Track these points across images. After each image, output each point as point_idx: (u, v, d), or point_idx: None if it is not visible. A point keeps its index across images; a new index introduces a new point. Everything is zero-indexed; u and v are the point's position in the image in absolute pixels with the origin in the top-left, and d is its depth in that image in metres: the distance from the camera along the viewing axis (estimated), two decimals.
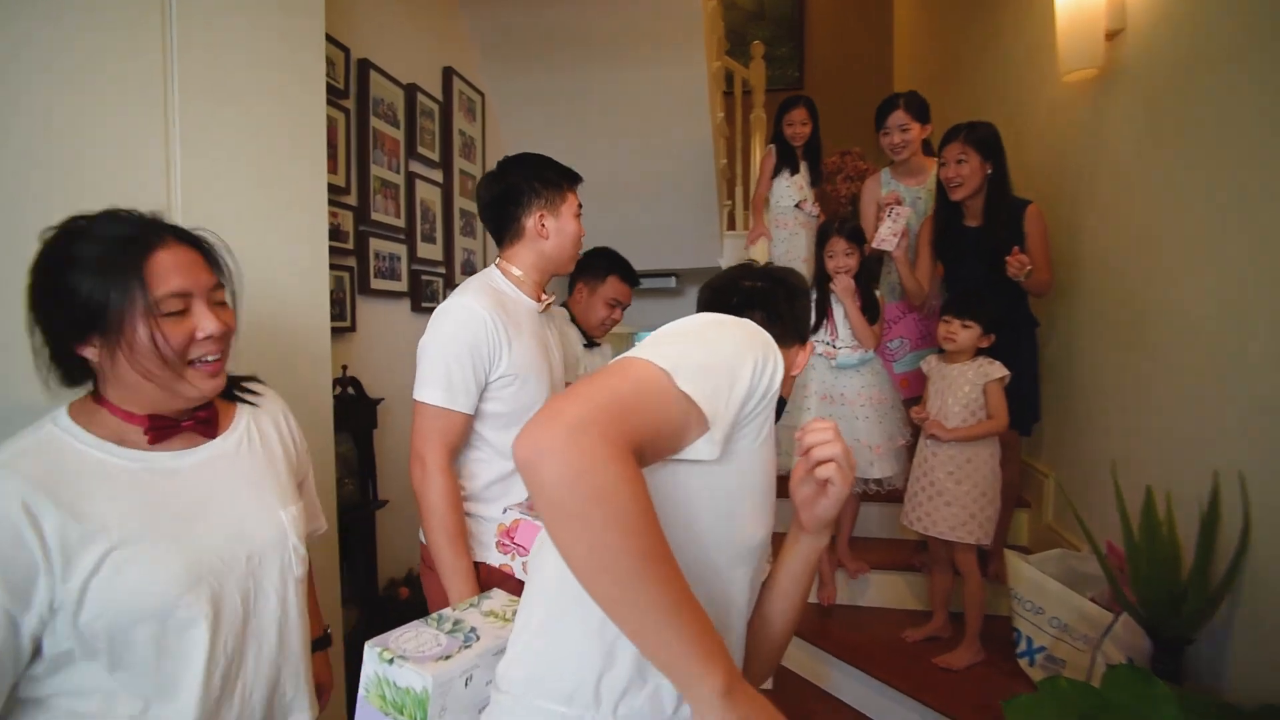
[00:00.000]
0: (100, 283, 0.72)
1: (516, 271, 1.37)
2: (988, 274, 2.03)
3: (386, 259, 2.19)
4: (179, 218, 1.15)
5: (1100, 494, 1.90)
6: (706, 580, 0.67)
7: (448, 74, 2.60)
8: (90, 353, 0.75)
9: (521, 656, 0.72)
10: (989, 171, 2.05)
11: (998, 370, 1.90)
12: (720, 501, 0.68)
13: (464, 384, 1.23)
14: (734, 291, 0.89)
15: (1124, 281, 1.87)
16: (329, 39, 1.89)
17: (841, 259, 2.13)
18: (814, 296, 2.24)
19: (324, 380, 1.53)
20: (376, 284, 2.12)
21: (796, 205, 2.89)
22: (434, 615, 0.91)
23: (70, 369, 0.77)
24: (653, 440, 0.57)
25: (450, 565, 1.22)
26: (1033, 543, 2.39)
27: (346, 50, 1.98)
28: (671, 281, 4.16)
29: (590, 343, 2.14)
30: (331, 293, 1.92)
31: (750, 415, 0.65)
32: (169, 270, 0.76)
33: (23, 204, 0.94)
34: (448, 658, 0.80)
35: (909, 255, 2.32)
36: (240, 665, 0.81)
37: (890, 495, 2.25)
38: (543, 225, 1.35)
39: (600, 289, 2.06)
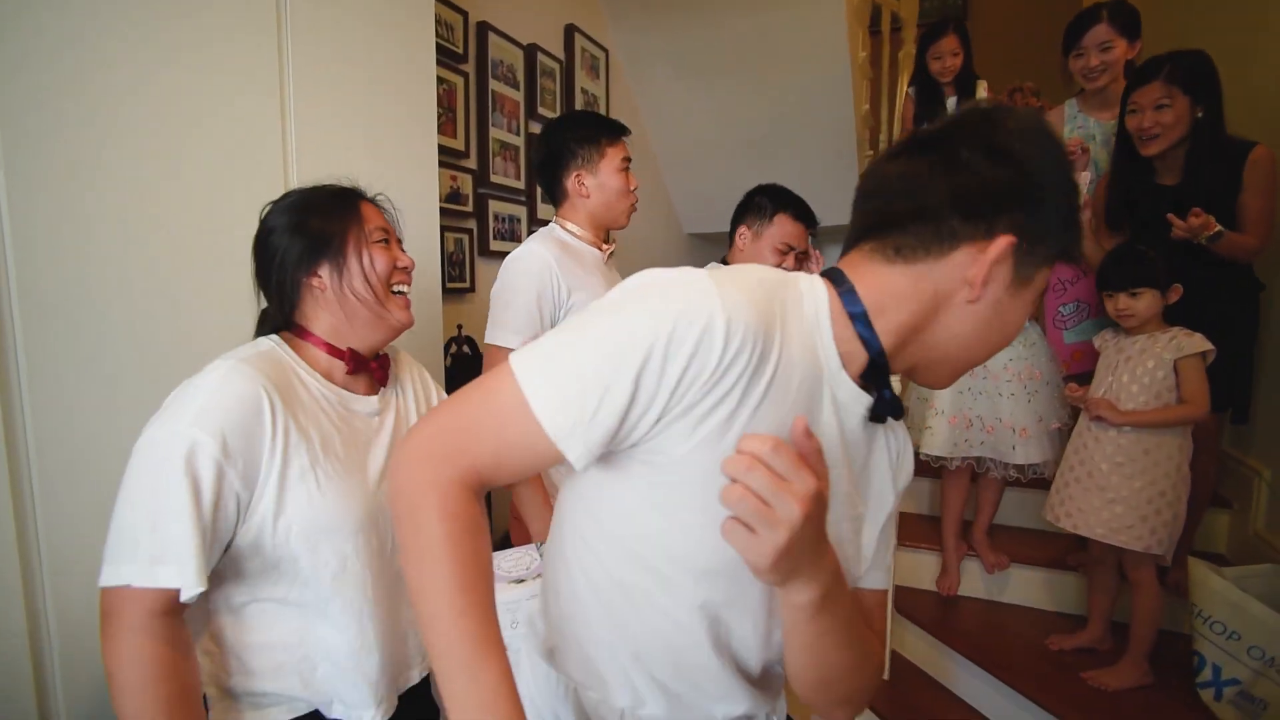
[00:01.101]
0: (329, 219, 0.87)
1: (572, 227, 1.42)
2: (1184, 245, 1.62)
3: (506, 220, 2.24)
4: (294, 184, 1.23)
5: None
6: (650, 600, 0.59)
7: (569, 31, 2.57)
8: (317, 281, 0.86)
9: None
10: (1199, 115, 1.61)
11: (1198, 343, 1.52)
12: (647, 510, 0.57)
13: (532, 325, 1.29)
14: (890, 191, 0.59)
15: None
16: (447, 3, 1.92)
17: None
18: None
19: (435, 343, 1.59)
20: (495, 245, 2.18)
21: None
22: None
23: (289, 305, 0.88)
24: (500, 465, 0.55)
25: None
26: (1233, 552, 1.98)
27: (465, 14, 2.00)
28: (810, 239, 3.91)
29: None
30: (450, 254, 2.00)
31: (656, 420, 0.53)
32: (372, 214, 0.92)
33: (154, 186, 1.03)
34: (520, 581, 0.93)
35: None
36: (396, 607, 0.88)
37: (1042, 481, 1.96)
38: (582, 185, 1.39)
39: (767, 232, 1.68)
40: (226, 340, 0.88)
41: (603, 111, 2.82)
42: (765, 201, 1.68)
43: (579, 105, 2.63)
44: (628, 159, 1.44)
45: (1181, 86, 1.61)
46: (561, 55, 2.54)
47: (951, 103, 2.51)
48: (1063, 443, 1.84)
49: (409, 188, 1.49)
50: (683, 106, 3.16)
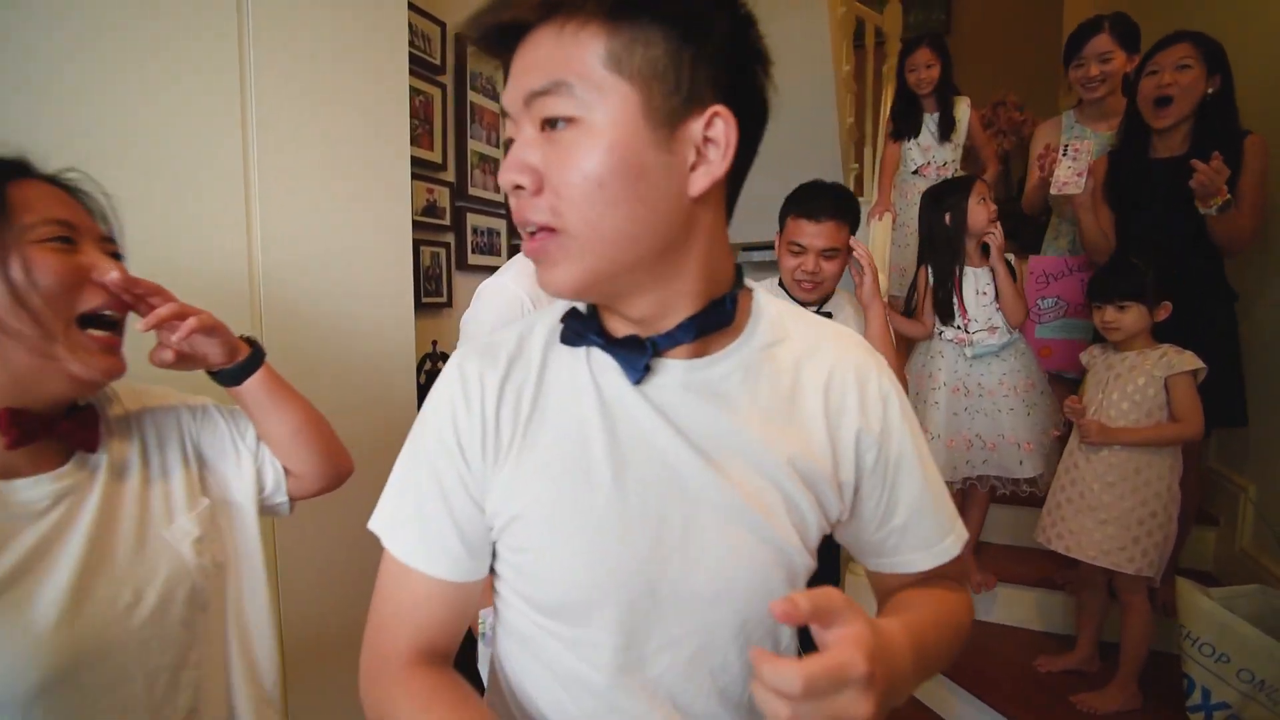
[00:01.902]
0: None
1: None
2: (1180, 223, 1.62)
3: (485, 234, 2.20)
4: (256, 206, 1.18)
5: None
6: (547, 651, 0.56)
7: None
8: None
9: None
10: (1210, 91, 1.62)
11: (1189, 361, 1.50)
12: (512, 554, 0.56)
13: None
14: None
15: None
16: (424, 14, 1.88)
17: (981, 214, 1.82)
18: (929, 272, 1.95)
19: (408, 366, 1.54)
20: (474, 259, 2.13)
21: (915, 172, 2.53)
22: None
23: None
24: (429, 630, 0.55)
25: None
26: (1219, 570, 1.96)
27: (442, 25, 1.96)
28: None
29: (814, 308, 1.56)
30: (427, 268, 1.95)
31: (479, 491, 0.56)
32: (40, 199, 0.61)
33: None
34: None
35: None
36: None
37: (1029, 498, 1.93)
38: None
39: (784, 234, 1.56)
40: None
41: None
42: (784, 203, 1.57)
43: None
44: None
45: (1202, 55, 1.61)
46: None
47: (932, 118, 2.50)
48: (1061, 449, 1.83)
49: (379, 200, 1.45)
50: None
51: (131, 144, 1.01)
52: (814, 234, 1.47)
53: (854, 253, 1.51)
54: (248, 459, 0.79)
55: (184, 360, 0.71)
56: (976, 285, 1.90)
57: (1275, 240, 1.77)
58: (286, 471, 0.81)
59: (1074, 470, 1.62)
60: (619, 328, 0.55)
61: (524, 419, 0.53)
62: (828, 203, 1.48)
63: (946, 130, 2.47)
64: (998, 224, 1.83)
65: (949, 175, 2.49)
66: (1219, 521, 1.96)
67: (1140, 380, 1.53)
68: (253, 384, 0.76)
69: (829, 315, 1.54)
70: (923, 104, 2.50)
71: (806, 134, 3.03)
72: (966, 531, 0.63)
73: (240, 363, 0.75)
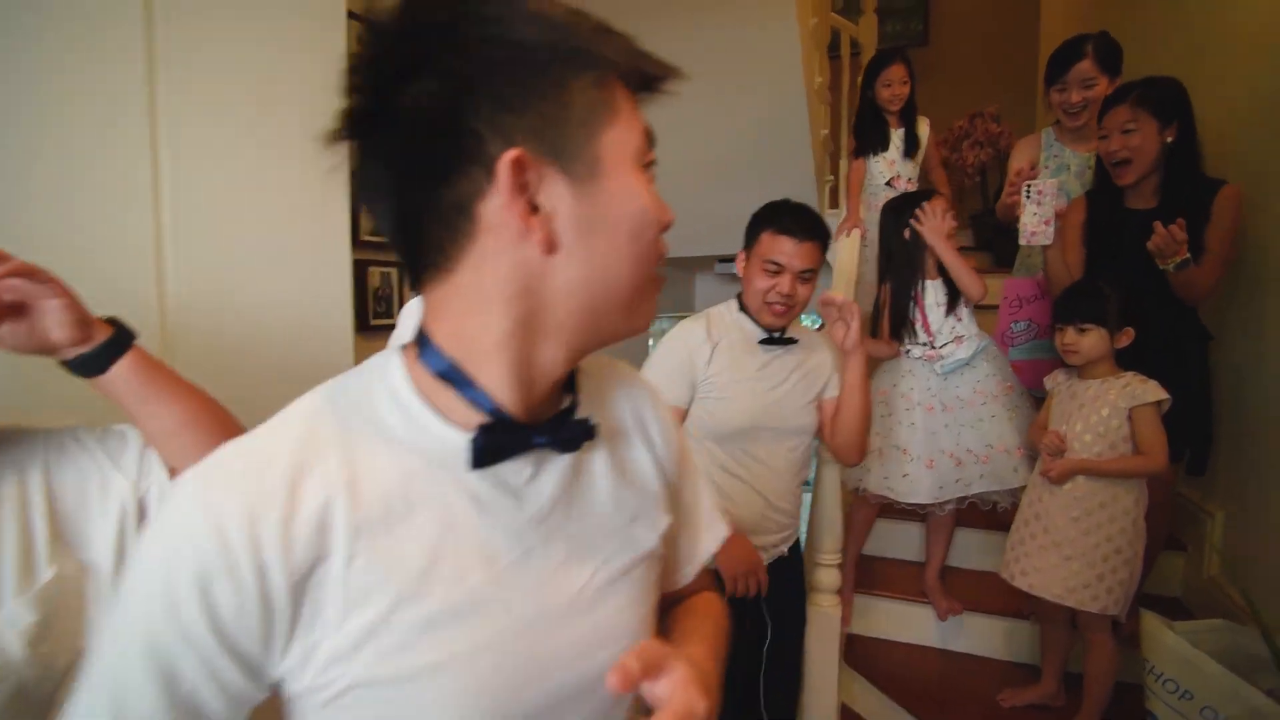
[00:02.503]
0: None
1: None
2: (1154, 272, 1.56)
3: None
4: (167, 228, 1.11)
5: None
6: None
7: None
8: None
9: None
10: (1169, 140, 1.58)
11: (1152, 391, 1.46)
12: None
13: None
14: None
15: None
16: (362, 20, 1.82)
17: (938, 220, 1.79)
18: (890, 289, 1.91)
19: None
20: None
21: (888, 183, 2.50)
22: None
23: None
24: None
25: None
26: (1188, 596, 1.92)
27: None
28: None
29: (771, 336, 1.45)
30: (377, 289, 1.89)
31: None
32: None
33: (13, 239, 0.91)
34: None
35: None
36: None
37: (999, 520, 1.89)
38: None
39: (754, 252, 1.42)
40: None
41: None
42: (755, 219, 1.44)
43: None
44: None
45: (1149, 110, 1.57)
46: None
47: (897, 134, 2.47)
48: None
49: (311, 220, 1.38)
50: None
51: (31, 164, 0.95)
52: (795, 253, 1.36)
53: (835, 302, 1.41)
54: (115, 502, 0.66)
55: (14, 332, 0.60)
56: (936, 297, 1.86)
57: (1245, 283, 1.74)
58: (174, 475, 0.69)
59: (1037, 504, 1.58)
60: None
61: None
62: (810, 221, 1.39)
63: (912, 147, 2.44)
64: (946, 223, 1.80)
65: (914, 189, 2.47)
66: (1187, 548, 1.93)
67: (1104, 411, 1.49)
68: (121, 372, 0.64)
69: (793, 341, 1.48)
70: (889, 120, 2.46)
71: (779, 146, 2.99)
72: (725, 529, 0.67)
73: (99, 345, 0.63)
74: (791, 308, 1.41)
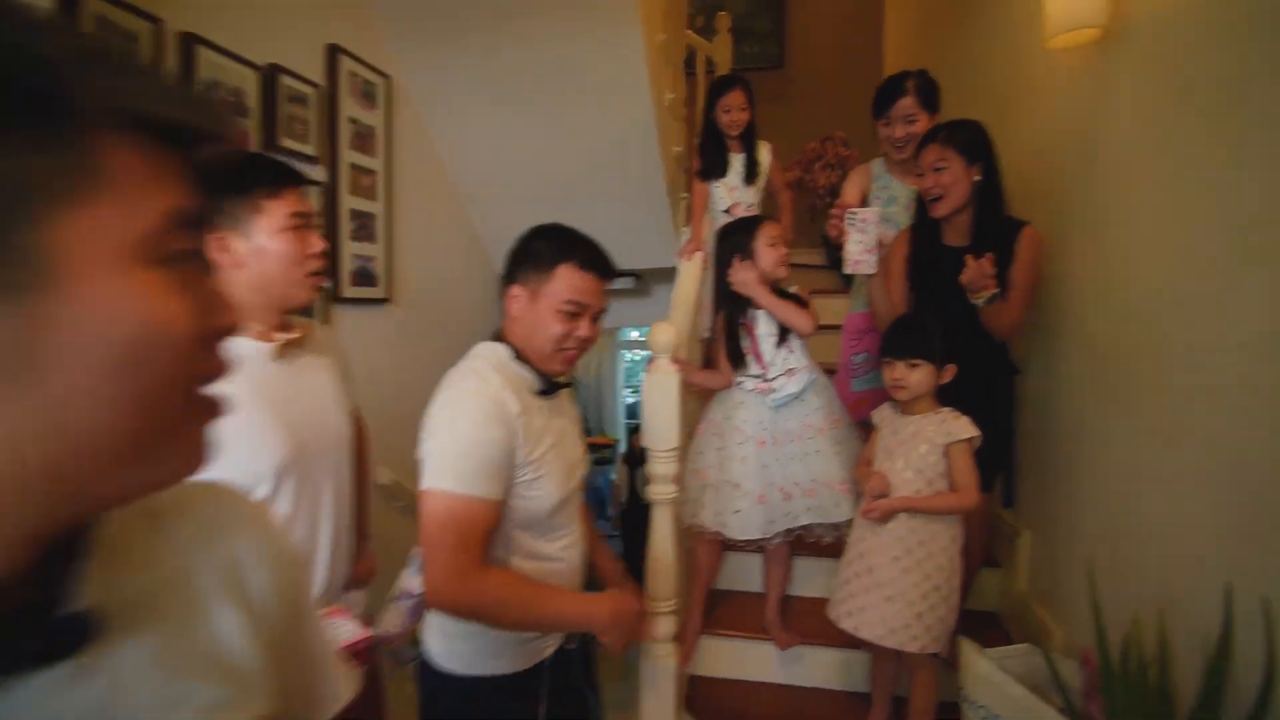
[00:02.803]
0: None
1: None
2: (968, 307, 1.63)
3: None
4: None
5: (1079, 580, 1.52)
6: None
7: (332, 53, 2.23)
8: None
9: None
10: (976, 179, 1.65)
11: (964, 428, 1.49)
12: None
13: None
14: None
15: (1121, 319, 1.47)
16: (123, 5, 1.53)
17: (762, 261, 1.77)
18: (724, 318, 1.88)
19: None
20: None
21: (726, 211, 2.48)
22: None
23: None
24: None
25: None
26: (1003, 610, 2.02)
27: (157, 20, 1.61)
28: (630, 282, 3.79)
29: (548, 386, 1.20)
30: None
31: None
32: None
33: None
34: None
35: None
36: None
37: (838, 548, 1.89)
38: (229, 251, 1.06)
39: (547, 289, 1.16)
40: None
41: (382, 144, 2.50)
42: (544, 248, 1.18)
43: (347, 137, 2.29)
44: (301, 214, 1.11)
45: (956, 148, 1.63)
46: (321, 80, 2.19)
47: (738, 159, 2.46)
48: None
49: None
50: (485, 139, 2.91)
51: None
52: (599, 292, 1.19)
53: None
54: None
55: None
56: (767, 328, 1.83)
57: (1045, 319, 1.84)
58: None
59: (860, 544, 1.58)
60: None
61: None
62: (608, 258, 1.21)
63: (752, 173, 2.43)
64: (781, 266, 1.79)
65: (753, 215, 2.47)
66: (1001, 564, 2.02)
67: (923, 448, 1.50)
68: None
69: (569, 384, 1.29)
70: (729, 145, 2.45)
71: (631, 163, 2.91)
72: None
73: None
74: (584, 354, 1.23)
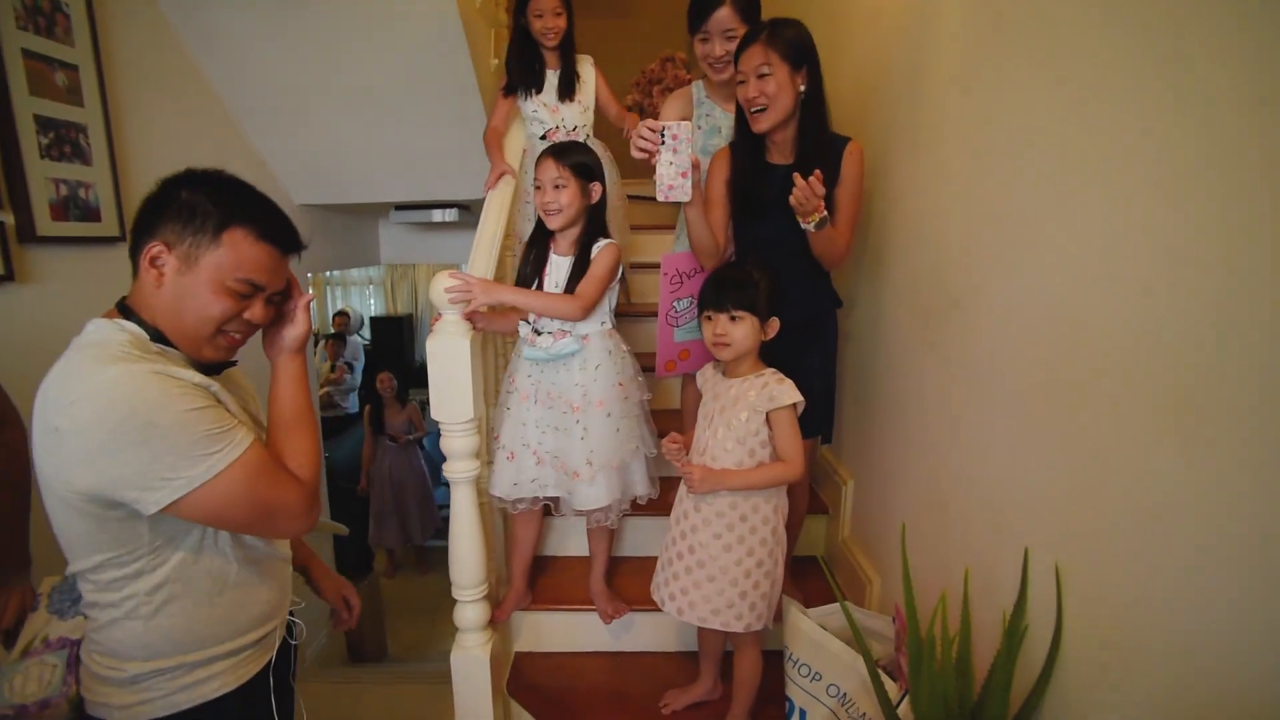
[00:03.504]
0: None
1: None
2: (797, 233, 1.47)
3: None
4: None
5: (897, 532, 1.49)
6: None
7: None
8: None
9: None
10: (802, 88, 1.46)
11: (787, 394, 1.34)
12: None
13: None
14: None
15: (939, 262, 1.38)
16: None
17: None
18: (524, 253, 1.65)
19: None
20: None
21: (543, 137, 2.17)
22: None
23: None
24: None
25: None
26: (829, 555, 2.03)
27: None
28: (454, 214, 3.37)
29: (208, 368, 0.97)
30: None
31: None
32: None
33: None
34: None
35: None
36: None
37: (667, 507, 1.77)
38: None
39: (207, 258, 0.90)
40: None
41: (84, 30, 1.88)
42: (206, 203, 0.90)
43: (14, 10, 1.67)
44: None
45: (780, 53, 1.42)
46: None
47: (553, 76, 2.13)
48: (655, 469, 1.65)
49: None
50: (256, 47, 2.33)
51: None
52: (278, 270, 0.98)
53: None
54: None
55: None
56: (558, 275, 1.60)
57: (870, 250, 1.75)
58: None
59: (683, 520, 1.44)
60: None
61: None
62: (293, 229, 0.99)
63: (569, 88, 2.11)
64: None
65: (580, 140, 2.16)
66: (829, 510, 2.01)
67: (743, 415, 1.36)
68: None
69: (232, 363, 1.04)
70: (545, 58, 2.11)
71: (441, 76, 2.48)
72: None
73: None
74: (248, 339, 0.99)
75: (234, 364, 1.03)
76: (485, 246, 1.67)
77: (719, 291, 1.38)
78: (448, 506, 1.55)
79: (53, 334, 1.82)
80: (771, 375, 1.37)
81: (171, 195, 0.90)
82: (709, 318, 1.39)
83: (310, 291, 1.13)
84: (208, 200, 0.90)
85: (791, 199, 1.38)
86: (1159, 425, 0.80)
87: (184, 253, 0.89)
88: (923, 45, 1.46)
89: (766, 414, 1.34)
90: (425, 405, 1.56)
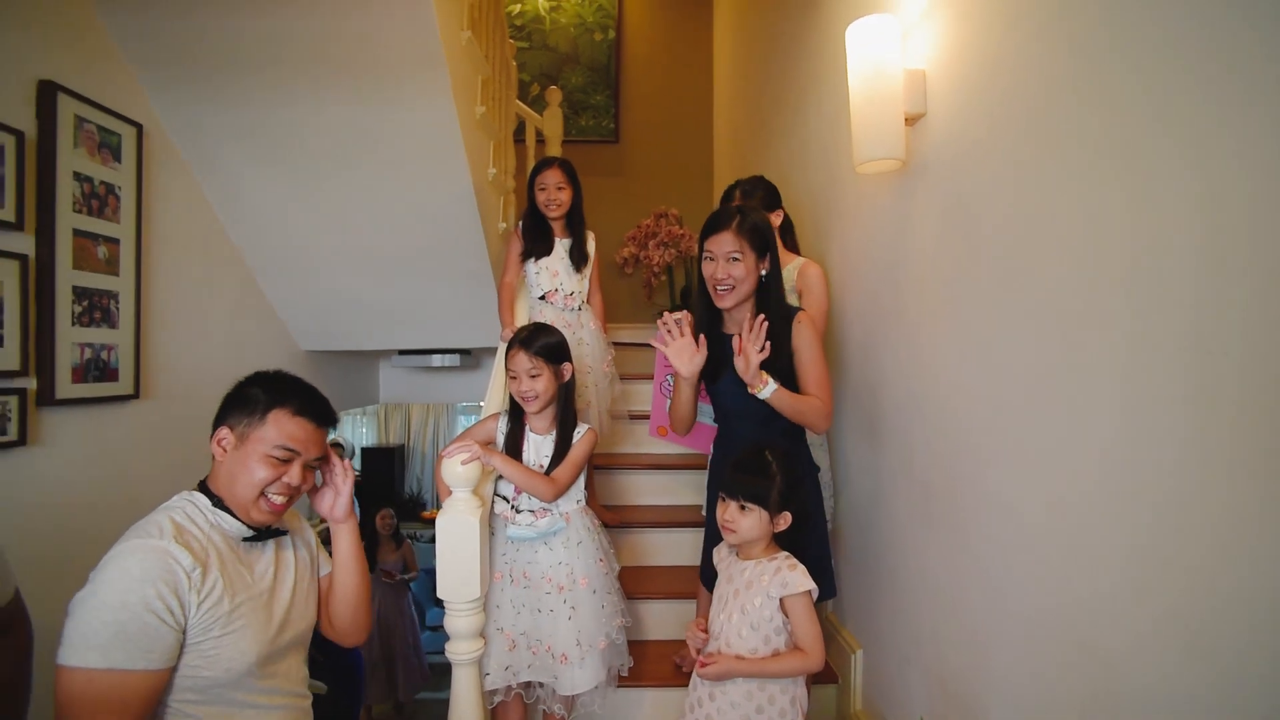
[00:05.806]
0: None
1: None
2: (754, 401, 1.51)
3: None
4: None
5: (911, 704, 1.44)
6: None
7: (48, 92, 1.77)
8: None
9: None
10: (763, 273, 1.57)
11: (799, 580, 1.32)
12: None
13: None
14: None
15: (932, 432, 1.46)
16: None
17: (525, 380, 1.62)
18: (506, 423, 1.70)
19: None
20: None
21: (542, 298, 2.31)
22: None
23: None
24: None
25: None
26: None
27: None
28: (454, 359, 3.48)
29: (258, 531, 1.14)
30: None
31: None
32: None
33: None
34: None
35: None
36: None
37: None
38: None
39: (256, 434, 1.11)
40: None
41: (130, 207, 2.03)
42: (258, 393, 1.13)
43: (73, 196, 1.82)
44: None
45: (750, 242, 1.55)
46: (25, 125, 1.72)
47: (563, 244, 2.31)
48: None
49: None
50: (274, 204, 2.51)
51: None
52: (312, 439, 1.19)
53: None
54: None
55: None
56: (538, 455, 1.64)
57: (863, 420, 1.83)
58: None
59: (698, 709, 1.38)
60: None
61: None
62: (326, 404, 1.22)
63: (580, 260, 2.29)
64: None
65: (575, 306, 2.31)
66: (838, 680, 1.94)
67: (757, 600, 1.34)
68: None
69: (282, 532, 1.24)
70: (553, 228, 2.30)
71: (452, 238, 2.66)
72: None
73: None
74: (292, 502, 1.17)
75: (284, 533, 1.19)
76: (496, 406, 1.74)
77: (733, 479, 1.39)
78: (435, 652, 1.50)
79: (58, 495, 1.82)
80: (784, 559, 1.37)
81: (241, 391, 1.15)
82: (721, 500, 1.41)
83: (349, 461, 1.22)
84: (262, 391, 1.14)
85: (736, 365, 1.46)
86: (1167, 638, 0.83)
87: (240, 432, 1.11)
88: (903, 237, 1.62)
89: (780, 600, 1.33)
90: (416, 538, 1.57)
